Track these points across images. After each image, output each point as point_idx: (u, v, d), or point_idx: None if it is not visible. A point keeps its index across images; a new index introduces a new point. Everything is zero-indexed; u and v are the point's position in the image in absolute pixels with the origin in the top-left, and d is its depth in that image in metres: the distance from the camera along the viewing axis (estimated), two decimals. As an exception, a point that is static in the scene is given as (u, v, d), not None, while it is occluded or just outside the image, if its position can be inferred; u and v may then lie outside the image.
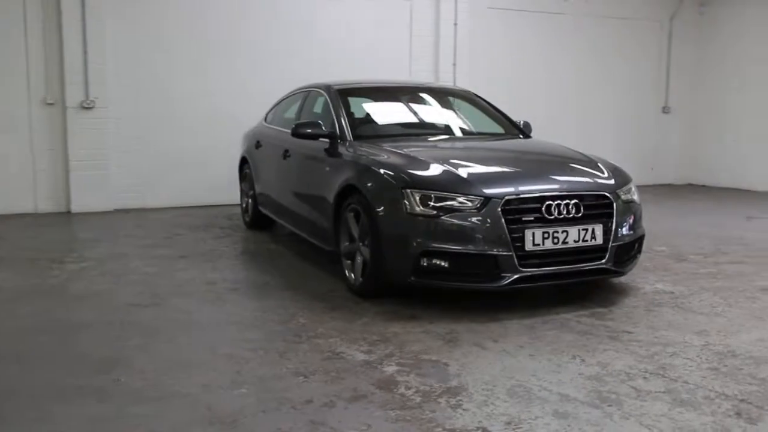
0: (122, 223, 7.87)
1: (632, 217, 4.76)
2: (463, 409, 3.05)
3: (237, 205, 8.78)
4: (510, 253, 4.29)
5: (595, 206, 4.56)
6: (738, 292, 5.01)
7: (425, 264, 4.37)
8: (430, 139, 5.73)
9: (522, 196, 4.39)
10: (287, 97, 7.26)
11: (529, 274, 4.35)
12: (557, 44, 11.21)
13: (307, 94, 6.63)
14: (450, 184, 4.45)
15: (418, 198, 4.38)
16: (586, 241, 4.49)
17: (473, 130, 6.07)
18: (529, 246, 4.32)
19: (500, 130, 6.11)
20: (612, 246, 4.58)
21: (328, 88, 6.11)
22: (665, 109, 12.18)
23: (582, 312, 4.52)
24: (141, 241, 6.84)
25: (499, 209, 4.29)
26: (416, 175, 4.56)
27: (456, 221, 4.31)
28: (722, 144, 11.71)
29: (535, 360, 3.67)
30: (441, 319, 4.34)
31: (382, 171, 4.70)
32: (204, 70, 9.02)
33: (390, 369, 3.53)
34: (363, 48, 9.69)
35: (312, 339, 3.97)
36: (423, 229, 4.35)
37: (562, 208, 4.42)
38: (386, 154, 4.94)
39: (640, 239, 4.94)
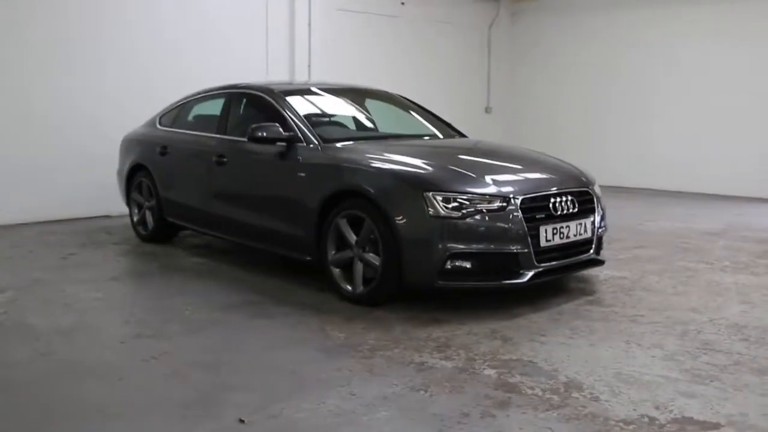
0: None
1: (603, 211, 5.20)
2: (605, 401, 3.19)
3: (101, 217, 8.04)
4: (528, 250, 4.48)
5: (583, 201, 4.92)
6: (675, 272, 5.69)
7: (449, 266, 4.41)
8: (401, 141, 5.70)
9: (534, 194, 4.60)
10: (191, 100, 6.75)
11: (542, 269, 4.58)
12: (398, 47, 11.59)
13: (229, 96, 6.23)
14: (471, 185, 4.52)
15: (440, 200, 4.40)
16: (581, 234, 4.84)
17: (427, 131, 6.13)
18: (543, 242, 4.55)
19: (439, 130, 6.24)
20: (596, 238, 4.98)
21: (269, 90, 5.82)
22: (487, 110, 13.16)
23: (578, 301, 4.86)
24: (36, 263, 5.94)
25: (519, 208, 4.47)
26: (436, 177, 4.57)
27: (480, 222, 4.40)
28: (536, 143, 12.93)
29: (600, 349, 3.90)
30: (466, 319, 4.39)
31: (396, 175, 4.64)
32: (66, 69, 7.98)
33: (490, 372, 3.54)
34: (219, 48, 9.21)
35: (377, 352, 3.83)
36: (449, 231, 4.37)
37: (564, 204, 4.72)
38: (383, 157, 4.87)
39: (604, 231, 5.42)
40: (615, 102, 11.93)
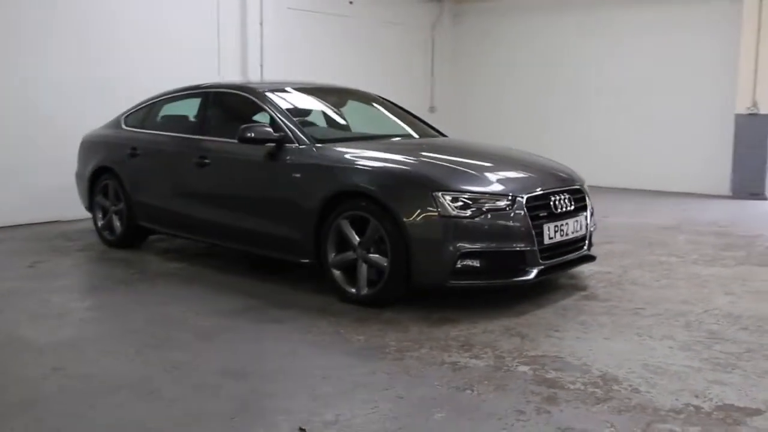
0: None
1: (593, 208, 5.35)
2: (646, 392, 3.28)
3: (52, 222, 7.69)
4: (534, 248, 4.56)
5: (578, 199, 5.05)
6: (652, 266, 5.90)
7: (459, 266, 4.43)
8: (392, 142, 5.69)
9: (537, 193, 4.69)
10: (160, 100, 6.51)
11: (546, 266, 4.67)
12: (347, 46, 11.55)
13: (205, 96, 6.05)
14: (479, 185, 4.57)
15: (450, 200, 4.41)
16: (577, 231, 4.96)
17: (414, 131, 6.12)
18: (546, 240, 4.64)
19: (421, 130, 6.24)
20: (589, 234, 5.12)
21: (252, 90, 5.70)
22: (431, 109, 13.27)
23: (575, 297, 4.97)
24: (1, 272, 5.60)
25: (525, 206, 4.54)
26: (444, 177, 4.59)
27: (489, 221, 4.45)
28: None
29: (617, 342, 4.01)
30: (477, 318, 4.42)
31: (403, 175, 4.63)
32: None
33: (524, 369, 3.59)
34: (170, 46, 8.92)
35: (405, 353, 3.81)
36: (460, 231, 4.40)
37: (563, 202, 4.82)
38: (385, 158, 4.85)
39: (590, 228, 5.56)
40: (554, 101, 12.25)
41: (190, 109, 6.19)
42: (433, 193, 4.43)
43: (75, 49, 7.98)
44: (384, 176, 4.67)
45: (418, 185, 4.53)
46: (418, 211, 4.44)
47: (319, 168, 4.93)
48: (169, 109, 6.48)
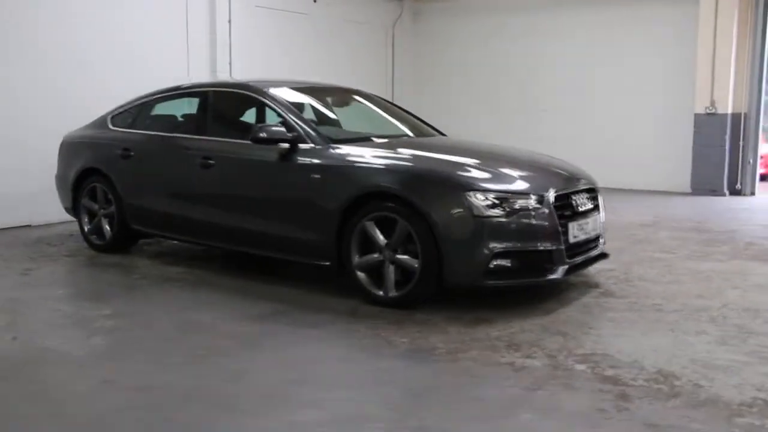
0: None
1: (604, 207, 5.46)
2: (708, 387, 3.37)
3: (22, 227, 7.39)
4: (561, 247, 4.63)
5: (593, 198, 5.15)
6: (650, 262, 6.08)
7: (492, 265, 4.46)
8: (403, 140, 5.70)
9: (562, 192, 4.76)
10: (152, 99, 6.29)
11: (571, 264, 4.74)
12: (312, 44, 11.45)
13: (205, 95, 5.88)
14: (507, 184, 4.62)
15: (482, 200, 4.43)
16: (594, 230, 5.06)
17: (412, 130, 6.10)
18: (571, 238, 4.72)
19: (423, 130, 6.23)
20: (602, 232, 5.24)
21: (257, 89, 5.59)
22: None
23: (592, 294, 5.07)
24: (-3, 281, 5.33)
25: (553, 206, 4.60)
26: (477, 177, 4.61)
27: (520, 220, 4.49)
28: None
29: (655, 338, 4.11)
30: (510, 317, 4.45)
31: (433, 175, 4.62)
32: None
33: (582, 367, 3.63)
34: (140, 45, 8.65)
35: (457, 355, 3.81)
36: (493, 230, 4.43)
37: (583, 201, 4.92)
38: (411, 157, 4.85)
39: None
40: (512, 101, 12.45)
41: (186, 108, 6.01)
42: (466, 193, 4.44)
43: (35, 51, 7.60)
44: (414, 177, 4.65)
45: (449, 185, 4.53)
46: (451, 211, 4.44)
47: (342, 168, 4.87)
48: (163, 109, 6.28)
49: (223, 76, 9.66)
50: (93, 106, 6.83)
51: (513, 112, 12.40)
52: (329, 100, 6.24)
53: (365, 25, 12.53)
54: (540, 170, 5.07)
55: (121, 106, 6.47)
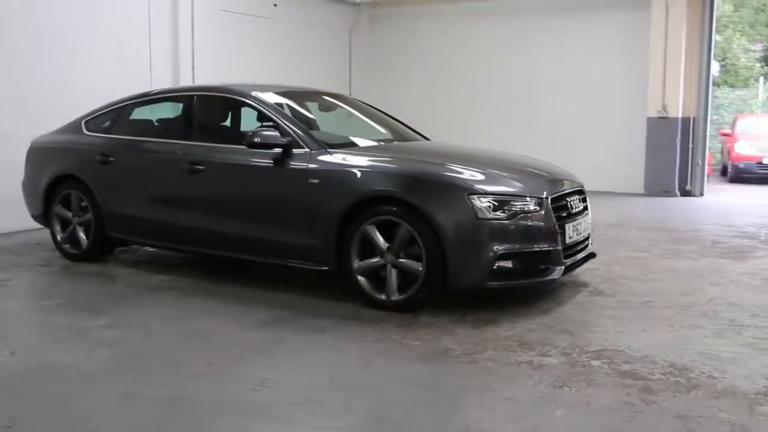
0: None
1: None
2: (721, 378, 3.51)
3: None
4: (559, 247, 4.73)
5: (583, 200, 5.29)
6: (629, 261, 6.27)
7: (495, 267, 4.53)
8: (402, 145, 5.75)
9: (557, 194, 4.87)
10: (130, 104, 6.12)
11: (567, 264, 4.86)
12: (273, 49, 11.37)
13: (189, 99, 5.78)
14: (507, 186, 4.70)
15: (485, 202, 4.50)
16: (586, 230, 5.20)
17: (407, 136, 6.13)
18: (567, 239, 4.83)
19: (406, 134, 6.26)
20: (591, 232, 5.38)
21: (248, 94, 5.52)
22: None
23: (583, 293, 5.20)
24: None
25: (551, 207, 4.70)
26: (478, 180, 4.66)
27: (522, 222, 4.57)
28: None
29: (656, 334, 4.25)
30: (513, 317, 4.53)
31: (437, 178, 4.67)
32: None
33: (597, 363, 3.73)
34: (102, 47, 8.42)
35: (474, 356, 3.85)
36: (497, 232, 4.50)
37: (575, 202, 5.05)
38: (412, 160, 4.89)
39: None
40: (463, 104, 12.57)
41: (167, 112, 5.90)
42: (469, 196, 4.50)
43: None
44: (418, 181, 4.68)
45: (453, 189, 4.58)
46: (455, 214, 4.50)
47: (343, 173, 4.86)
48: (143, 113, 6.14)
49: (186, 81, 9.50)
50: (55, 111, 6.56)
51: (468, 116, 12.56)
52: (313, 104, 6.21)
53: (323, 29, 12.52)
54: (533, 173, 5.16)
55: (96, 111, 6.28)
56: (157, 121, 6.07)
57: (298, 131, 5.15)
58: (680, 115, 10.85)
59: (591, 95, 11.54)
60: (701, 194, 11.12)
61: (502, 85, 12.25)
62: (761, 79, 20.74)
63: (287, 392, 3.38)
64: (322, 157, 4.97)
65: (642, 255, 6.54)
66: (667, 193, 10.90)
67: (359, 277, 4.77)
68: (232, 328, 4.34)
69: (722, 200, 10.88)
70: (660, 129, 10.89)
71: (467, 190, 4.54)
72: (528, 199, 4.63)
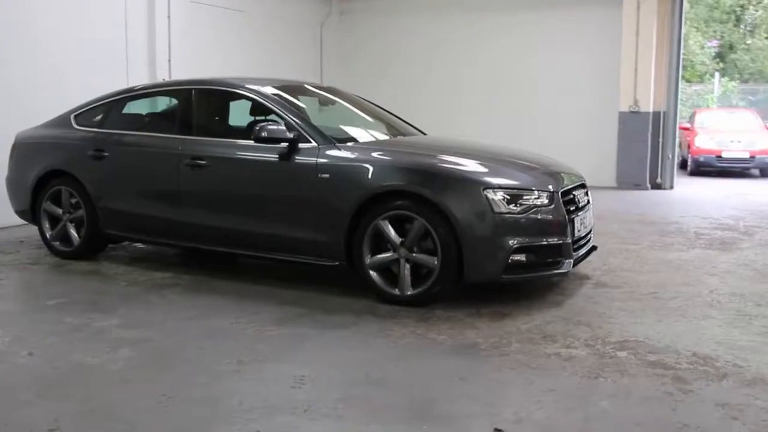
0: None
1: (590, 201, 5.70)
2: (746, 366, 3.62)
3: None
4: (569, 240, 4.80)
5: (586, 193, 5.38)
6: (622, 253, 6.39)
7: (510, 261, 4.57)
8: (405, 140, 5.76)
9: (566, 188, 4.93)
10: (123, 98, 5.97)
11: (576, 257, 4.93)
12: (246, 42, 11.22)
13: (186, 93, 5.67)
14: (520, 180, 4.75)
15: (501, 196, 4.54)
16: (590, 223, 5.29)
17: (394, 130, 6.12)
18: (576, 232, 4.91)
19: (404, 129, 6.27)
20: (593, 225, 5.47)
21: (250, 88, 5.44)
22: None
23: (587, 285, 5.28)
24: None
25: (561, 201, 4.77)
26: (492, 174, 4.71)
27: (536, 216, 4.62)
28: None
29: (671, 324, 4.34)
30: (528, 310, 4.59)
31: (452, 173, 4.68)
32: None
33: (623, 354, 3.81)
34: (78, 39, 8.20)
35: (503, 350, 3.89)
36: (512, 226, 4.54)
37: (581, 196, 5.12)
38: (424, 155, 4.90)
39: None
40: (440, 99, 12.57)
41: (165, 107, 5.77)
42: (485, 190, 4.53)
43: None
44: (432, 175, 4.68)
45: (468, 183, 4.61)
46: (471, 208, 4.52)
47: (355, 168, 4.83)
48: (137, 107, 6.00)
49: (162, 73, 9.31)
50: (31, 105, 6.35)
51: (440, 109, 12.58)
52: (311, 99, 6.17)
53: (294, 23, 12.44)
54: (541, 167, 5.21)
55: (86, 105, 6.11)
56: (154, 115, 5.93)
57: (305, 125, 5.10)
58: (651, 110, 11.09)
59: (563, 90, 11.70)
60: (671, 187, 11.39)
61: (475, 79, 12.32)
62: (716, 74, 21.36)
63: (331, 389, 3.36)
64: (331, 152, 4.94)
65: (633, 247, 6.68)
66: (639, 186, 11.14)
67: (371, 272, 4.76)
68: (249, 325, 4.29)
69: (692, 193, 11.17)
70: (632, 123, 11.11)
71: (483, 184, 4.57)
72: (540, 192, 4.69)
